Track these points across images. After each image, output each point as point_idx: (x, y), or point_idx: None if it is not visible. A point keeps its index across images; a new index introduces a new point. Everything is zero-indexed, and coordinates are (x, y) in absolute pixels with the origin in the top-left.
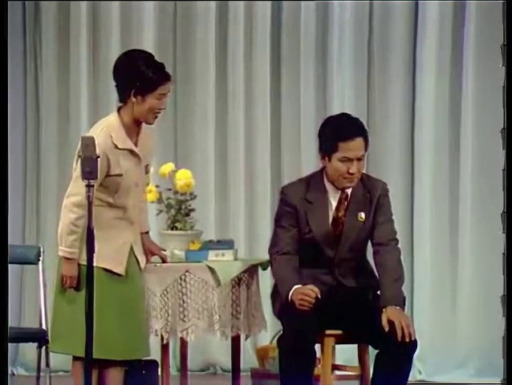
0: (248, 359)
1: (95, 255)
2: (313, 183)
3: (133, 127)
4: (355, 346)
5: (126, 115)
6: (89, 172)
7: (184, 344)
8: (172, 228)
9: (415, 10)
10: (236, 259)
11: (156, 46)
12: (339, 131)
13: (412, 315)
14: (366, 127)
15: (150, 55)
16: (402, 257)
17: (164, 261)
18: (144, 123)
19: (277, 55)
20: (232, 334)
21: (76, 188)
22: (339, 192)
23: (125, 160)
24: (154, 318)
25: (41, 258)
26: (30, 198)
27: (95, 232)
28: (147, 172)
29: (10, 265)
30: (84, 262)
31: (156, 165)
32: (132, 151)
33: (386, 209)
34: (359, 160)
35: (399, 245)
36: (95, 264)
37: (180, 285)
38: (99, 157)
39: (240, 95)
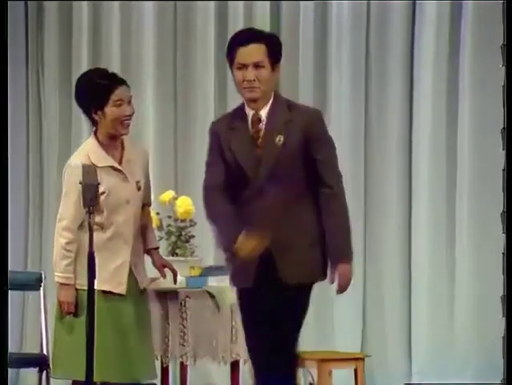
0: (247, 383)
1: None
2: (237, 111)
3: (112, 145)
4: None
5: (100, 134)
6: (90, 199)
7: (184, 368)
8: (172, 255)
9: (412, 8)
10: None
11: (156, 48)
12: (236, 39)
13: (410, 315)
14: (271, 35)
15: (102, 69)
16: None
17: (175, 275)
18: (125, 139)
19: None
20: (231, 359)
21: (64, 212)
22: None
23: (108, 178)
24: (154, 342)
25: (42, 284)
26: (32, 223)
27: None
28: (138, 188)
29: (11, 291)
30: (81, 287)
31: (157, 191)
32: (114, 168)
33: (324, 142)
34: (257, 66)
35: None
36: (94, 287)
37: (181, 310)
38: (99, 184)
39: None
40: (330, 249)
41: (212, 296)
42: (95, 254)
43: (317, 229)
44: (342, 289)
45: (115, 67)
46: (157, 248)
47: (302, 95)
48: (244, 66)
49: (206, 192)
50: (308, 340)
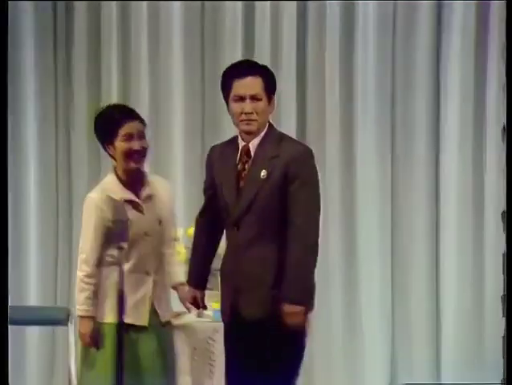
0: None
1: (113, 312)
2: (231, 141)
3: (132, 179)
4: None
5: (118, 169)
6: (119, 235)
7: None
8: None
9: (438, 9)
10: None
11: (184, 47)
12: (232, 71)
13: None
14: (266, 68)
15: (116, 104)
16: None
17: (202, 308)
18: (148, 174)
19: (302, 55)
20: None
21: (83, 246)
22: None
23: (125, 211)
24: (182, 376)
25: (70, 319)
26: (61, 259)
27: (109, 290)
28: (159, 222)
29: (41, 327)
30: (104, 320)
31: (185, 226)
32: (131, 202)
33: (302, 181)
34: (254, 99)
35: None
36: (113, 320)
37: (209, 343)
38: (128, 220)
39: None
40: (281, 287)
41: None
42: (116, 287)
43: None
44: (288, 328)
45: (143, 73)
46: (183, 283)
47: (328, 96)
48: (241, 99)
49: (196, 218)
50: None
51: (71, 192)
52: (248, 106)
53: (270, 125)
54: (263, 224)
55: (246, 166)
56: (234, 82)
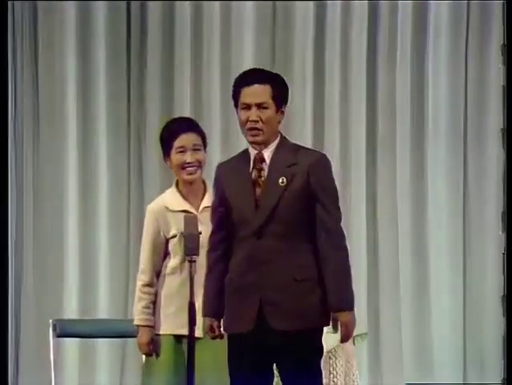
0: None
1: (167, 323)
2: (242, 154)
3: (192, 191)
4: None
5: (178, 181)
6: (191, 248)
7: None
8: None
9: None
10: (333, 332)
11: (255, 48)
12: (241, 79)
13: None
14: (276, 76)
15: (178, 118)
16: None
17: None
18: (209, 187)
19: (373, 55)
20: None
21: (141, 256)
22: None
23: (181, 222)
24: None
25: (53, 334)
26: (133, 273)
27: (165, 300)
28: None
29: (112, 339)
30: (164, 332)
31: None
32: (188, 212)
33: (326, 187)
34: (261, 107)
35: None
36: (167, 332)
37: None
38: (201, 233)
39: (336, 97)
40: (328, 297)
41: None
42: (172, 298)
43: (314, 274)
44: (346, 338)
45: (214, 73)
46: None
47: (399, 97)
48: (248, 107)
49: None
50: None
51: (143, 202)
52: (254, 114)
53: (282, 136)
54: (287, 232)
55: (262, 173)
56: (242, 90)
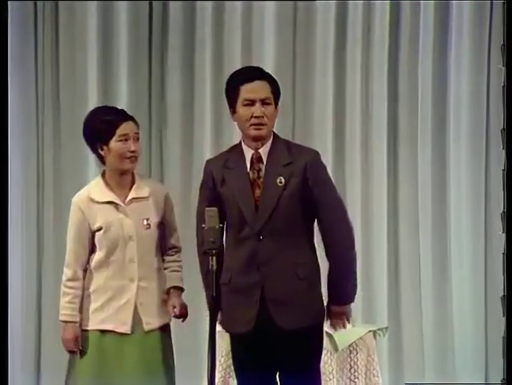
0: None
1: (94, 318)
2: (233, 149)
3: (120, 182)
4: None
5: (106, 170)
6: (212, 242)
7: None
8: None
9: None
10: (354, 326)
11: (276, 48)
12: (240, 76)
13: None
14: (269, 74)
15: (108, 106)
16: None
17: (177, 317)
18: (137, 177)
19: (395, 54)
20: None
21: (67, 250)
22: (253, 152)
23: (107, 214)
24: None
25: None
26: None
27: (92, 295)
28: (147, 226)
29: None
30: (88, 327)
31: None
32: (115, 204)
33: (322, 184)
34: (265, 103)
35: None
36: (94, 327)
37: None
38: (222, 226)
39: (357, 96)
40: (328, 290)
41: (330, 336)
42: (98, 293)
43: (314, 270)
44: (334, 328)
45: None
46: (178, 287)
47: (421, 95)
48: (252, 103)
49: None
50: None
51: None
52: (259, 109)
53: (274, 132)
54: (287, 230)
55: (260, 173)
56: (242, 86)
